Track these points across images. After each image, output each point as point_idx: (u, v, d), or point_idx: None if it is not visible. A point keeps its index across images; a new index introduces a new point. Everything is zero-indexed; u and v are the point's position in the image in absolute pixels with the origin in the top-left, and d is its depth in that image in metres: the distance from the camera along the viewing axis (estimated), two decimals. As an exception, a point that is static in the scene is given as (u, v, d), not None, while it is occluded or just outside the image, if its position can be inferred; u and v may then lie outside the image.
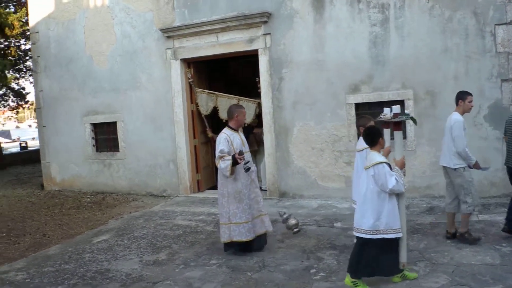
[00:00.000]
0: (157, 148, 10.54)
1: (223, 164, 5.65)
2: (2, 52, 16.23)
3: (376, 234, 4.45)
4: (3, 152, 24.52)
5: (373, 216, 4.45)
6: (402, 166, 4.76)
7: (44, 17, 11.73)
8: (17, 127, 50.62)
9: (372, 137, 4.66)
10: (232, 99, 9.51)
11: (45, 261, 6.32)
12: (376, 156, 4.57)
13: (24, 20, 14.48)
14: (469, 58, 7.77)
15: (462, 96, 5.89)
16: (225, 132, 5.89)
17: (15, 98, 18.98)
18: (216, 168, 5.97)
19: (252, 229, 5.85)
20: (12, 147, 27.52)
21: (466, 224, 5.70)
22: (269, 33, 9.13)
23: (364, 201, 4.56)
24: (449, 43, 7.86)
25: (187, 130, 10.20)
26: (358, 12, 8.41)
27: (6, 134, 32.87)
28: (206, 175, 10.75)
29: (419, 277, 4.73)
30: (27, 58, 16.97)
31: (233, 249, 5.93)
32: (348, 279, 4.58)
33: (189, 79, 10.12)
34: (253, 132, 9.92)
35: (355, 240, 4.88)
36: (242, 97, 9.62)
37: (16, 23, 13.81)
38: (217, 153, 5.71)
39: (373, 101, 8.45)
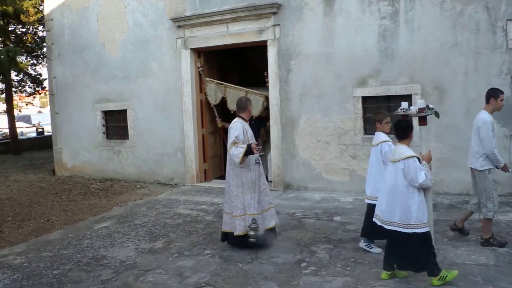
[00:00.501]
0: (165, 136, 10.60)
1: (236, 151, 5.55)
2: (19, 38, 16.50)
3: (408, 228, 4.38)
4: (22, 136, 25.00)
5: (403, 210, 4.40)
6: (429, 160, 4.66)
7: (59, 5, 11.85)
8: (39, 112, 51.40)
9: (404, 130, 4.57)
10: (240, 91, 9.48)
11: (45, 246, 6.42)
12: (406, 150, 4.49)
13: (39, 7, 14.64)
14: (479, 53, 7.59)
15: (494, 93, 5.52)
16: (240, 122, 5.84)
17: (32, 84, 19.27)
18: (225, 159, 5.89)
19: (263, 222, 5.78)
20: (31, 132, 27.99)
21: (488, 229, 5.47)
22: (279, 24, 9.06)
23: (392, 195, 4.49)
24: (459, 38, 7.68)
25: (196, 119, 10.23)
26: (368, 4, 8.29)
27: (26, 119, 33.30)
28: (214, 164, 10.78)
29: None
30: (44, 44, 17.19)
31: (236, 242, 5.80)
32: (384, 274, 4.58)
33: (198, 68, 10.13)
34: (266, 125, 9.91)
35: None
36: (250, 90, 9.58)
37: (31, 9, 13.97)
38: (232, 138, 5.61)
39: (380, 95, 8.34)
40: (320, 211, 7.49)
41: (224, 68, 11.19)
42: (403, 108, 5.21)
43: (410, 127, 4.59)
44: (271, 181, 9.54)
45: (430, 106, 4.85)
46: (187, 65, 10.09)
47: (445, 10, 7.76)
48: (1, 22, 14.01)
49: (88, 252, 6.04)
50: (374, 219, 4.73)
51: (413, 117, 5.50)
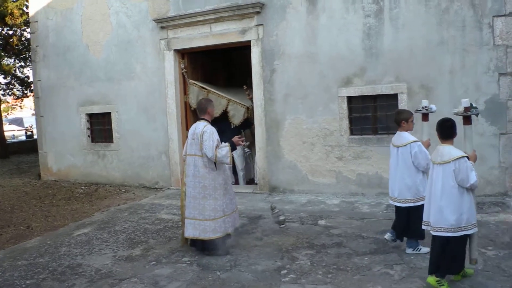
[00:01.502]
0: (149, 139, 10.43)
1: (223, 152, 5.47)
2: (6, 40, 16.28)
3: (458, 231, 4.21)
4: (13, 139, 24.78)
5: (454, 212, 4.21)
6: (475, 159, 4.47)
7: (44, 6, 11.65)
8: (33, 114, 51.09)
9: (450, 130, 4.37)
10: (223, 98, 9.36)
11: (22, 254, 6.23)
12: (455, 150, 4.30)
13: (24, 9, 14.44)
14: (465, 51, 7.45)
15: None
16: (209, 125, 5.70)
17: (20, 87, 19.03)
18: None
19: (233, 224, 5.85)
20: (23, 135, 27.77)
21: None
22: (262, 24, 8.91)
23: (440, 198, 4.28)
24: (445, 35, 7.54)
25: (180, 121, 10.06)
26: (352, 2, 8.14)
27: (18, 121, 33.04)
28: (200, 167, 10.59)
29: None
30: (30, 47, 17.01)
31: (211, 246, 5.68)
32: (432, 279, 4.32)
33: (182, 70, 9.96)
34: (250, 128, 9.80)
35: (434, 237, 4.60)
36: (232, 99, 9.40)
37: (16, 11, 13.77)
38: (215, 142, 5.49)
39: (366, 94, 8.20)
40: (304, 215, 7.33)
41: (210, 69, 11.00)
42: (425, 107, 5.17)
43: (455, 127, 4.40)
44: (256, 183, 9.42)
45: (473, 105, 4.71)
46: (170, 67, 9.92)
47: (430, 7, 7.62)
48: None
49: (65, 260, 5.86)
50: (424, 226, 4.52)
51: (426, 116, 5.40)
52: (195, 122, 9.94)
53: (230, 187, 5.87)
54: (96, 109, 11.16)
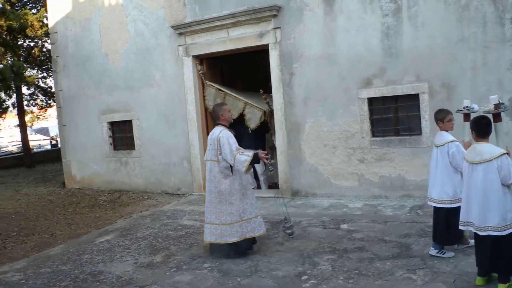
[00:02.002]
0: (171, 146, 10.47)
1: (242, 158, 5.43)
2: (28, 52, 16.61)
3: (505, 229, 4.11)
4: (39, 149, 25.25)
5: (499, 211, 4.12)
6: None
7: (63, 17, 11.82)
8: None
9: (486, 128, 4.29)
10: (240, 101, 9.31)
11: (45, 261, 6.30)
12: (494, 148, 4.21)
13: (44, 21, 14.72)
14: (487, 47, 7.26)
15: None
16: (227, 130, 5.70)
17: (43, 97, 19.37)
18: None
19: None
20: (48, 145, 28.25)
21: None
22: (279, 27, 8.86)
23: (484, 197, 4.17)
24: (466, 32, 7.37)
25: (200, 127, 10.07)
26: (369, 2, 8.02)
27: (44, 131, 33.60)
28: (221, 173, 10.57)
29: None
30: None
31: (227, 251, 5.68)
32: (480, 280, 4.30)
33: (199, 71, 9.91)
34: (268, 132, 9.77)
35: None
36: (249, 102, 9.33)
37: (36, 23, 14.03)
38: (232, 147, 5.48)
39: (387, 95, 8.06)
40: (327, 219, 7.23)
41: (228, 74, 10.98)
42: (466, 106, 5.06)
43: (490, 124, 4.32)
44: (278, 188, 9.36)
45: (501, 101, 4.62)
46: (189, 73, 9.94)
47: (449, 4, 7.46)
48: (8, 38, 14.11)
49: (87, 267, 5.89)
50: (463, 227, 4.41)
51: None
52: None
53: (250, 192, 5.82)
54: (117, 117, 11.26)
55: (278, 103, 9.06)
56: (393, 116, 8.18)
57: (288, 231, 6.25)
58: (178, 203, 9.55)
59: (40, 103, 19.90)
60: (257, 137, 9.39)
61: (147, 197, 10.39)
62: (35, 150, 25.76)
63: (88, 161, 11.90)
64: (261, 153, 5.56)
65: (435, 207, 5.25)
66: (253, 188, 9.72)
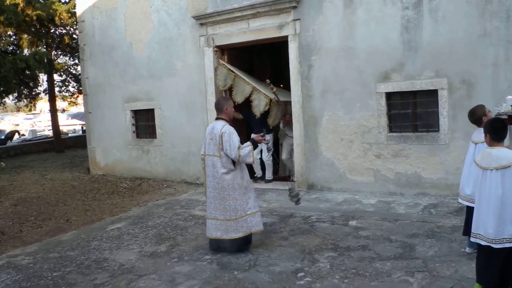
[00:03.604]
0: (191, 135, 10.52)
1: (246, 151, 5.45)
2: (59, 39, 16.99)
3: None
4: (73, 134, 25.88)
5: None
6: None
7: (90, 6, 12.00)
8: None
9: (502, 131, 4.01)
10: (248, 85, 9.01)
11: (55, 246, 6.47)
12: (511, 152, 3.92)
13: (73, 11, 14.97)
14: (510, 43, 6.95)
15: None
16: (226, 124, 5.65)
17: (75, 84, 19.78)
18: None
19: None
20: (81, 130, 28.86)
21: None
22: (299, 19, 8.73)
23: (502, 207, 3.84)
24: (488, 27, 7.07)
25: (219, 118, 10.04)
26: (390, -6, 7.82)
27: (80, 116, 34.27)
28: (239, 163, 10.57)
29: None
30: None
31: (234, 247, 5.65)
32: None
33: (213, 47, 9.74)
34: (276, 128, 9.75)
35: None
36: (257, 87, 9.12)
37: (64, 14, 14.30)
38: (235, 143, 5.45)
39: (405, 90, 7.86)
40: (337, 214, 7.14)
41: (249, 65, 10.86)
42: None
43: (506, 127, 4.06)
44: (294, 181, 9.30)
45: None
46: (210, 63, 9.94)
47: (472, -3, 7.19)
48: (37, 27, 14.46)
49: (93, 254, 6.02)
50: (474, 239, 4.05)
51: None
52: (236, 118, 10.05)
53: (252, 185, 5.82)
54: (140, 106, 11.40)
55: (296, 96, 8.97)
56: (411, 112, 7.97)
57: (294, 199, 6.29)
58: (194, 192, 9.61)
59: (71, 89, 20.36)
60: (264, 123, 9.28)
61: (166, 186, 10.51)
62: (69, 135, 26.45)
63: (112, 148, 12.11)
64: (256, 136, 5.62)
65: (468, 207, 4.98)
66: (260, 177, 9.71)
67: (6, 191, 10.71)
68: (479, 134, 4.96)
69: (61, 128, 25.38)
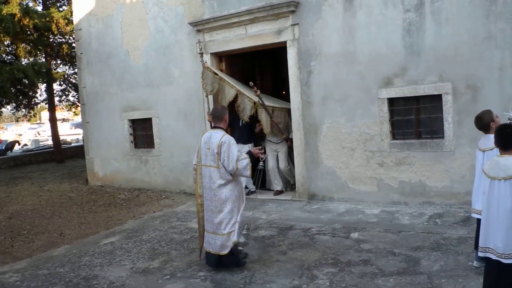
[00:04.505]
0: (190, 145, 10.22)
1: (243, 164, 5.23)
2: (57, 48, 16.82)
3: None
4: (75, 143, 25.70)
5: None
6: None
7: (86, 14, 11.82)
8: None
9: (511, 138, 3.75)
10: (232, 88, 8.61)
11: (45, 262, 6.21)
12: None
13: (69, 18, 14.80)
14: (517, 45, 6.69)
15: None
16: (225, 134, 5.40)
17: (75, 93, 19.58)
18: None
19: None
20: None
21: None
22: (297, 24, 8.49)
23: (510, 219, 3.58)
24: (493, 29, 6.79)
25: (218, 126, 9.79)
26: (391, -4, 7.56)
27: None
28: (239, 173, 10.30)
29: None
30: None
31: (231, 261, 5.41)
32: None
33: (199, 49, 9.31)
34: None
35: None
36: (242, 91, 8.68)
37: (61, 21, 14.13)
38: (235, 156, 5.20)
39: (408, 95, 7.58)
40: (338, 226, 6.85)
41: (248, 72, 10.60)
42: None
43: None
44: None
45: None
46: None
47: (476, -2, 6.91)
48: (34, 36, 14.31)
49: (83, 271, 5.76)
50: (484, 253, 3.79)
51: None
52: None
53: (244, 197, 5.61)
54: (137, 115, 11.17)
55: (295, 103, 8.70)
56: (414, 118, 7.68)
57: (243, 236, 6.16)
58: (192, 204, 9.28)
59: (71, 99, 20.17)
60: (249, 129, 9.01)
61: (164, 197, 10.25)
62: (73, 144, 26.23)
63: (110, 159, 11.88)
64: (255, 149, 5.42)
65: (479, 220, 4.54)
66: (254, 192, 9.26)
67: (2, 203, 10.50)
68: (486, 141, 4.70)
69: (64, 137, 25.22)
